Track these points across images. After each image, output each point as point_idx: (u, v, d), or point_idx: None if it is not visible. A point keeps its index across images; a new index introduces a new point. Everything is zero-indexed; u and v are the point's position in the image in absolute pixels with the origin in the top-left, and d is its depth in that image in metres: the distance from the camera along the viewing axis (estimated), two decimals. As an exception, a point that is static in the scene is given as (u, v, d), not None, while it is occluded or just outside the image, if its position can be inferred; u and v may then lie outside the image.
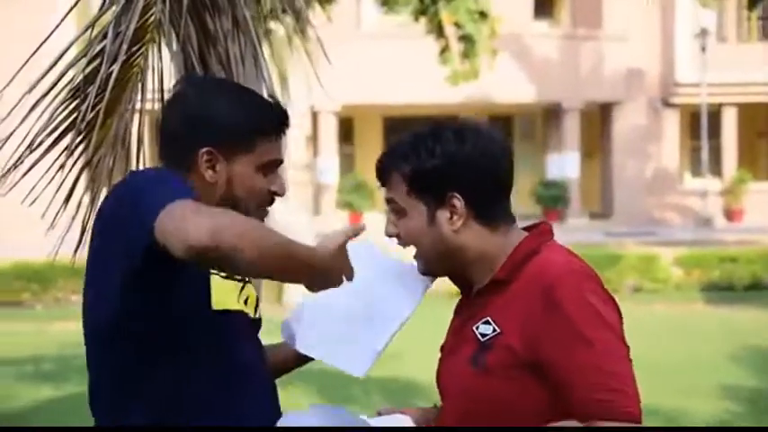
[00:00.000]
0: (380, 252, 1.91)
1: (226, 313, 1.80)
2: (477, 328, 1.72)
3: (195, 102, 1.80)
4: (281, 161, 1.85)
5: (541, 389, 1.65)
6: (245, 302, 1.87)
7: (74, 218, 2.80)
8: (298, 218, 13.76)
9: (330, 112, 21.98)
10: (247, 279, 1.87)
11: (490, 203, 1.76)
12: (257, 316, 1.90)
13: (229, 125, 1.77)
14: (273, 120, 1.82)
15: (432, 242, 1.76)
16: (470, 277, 1.80)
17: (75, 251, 2.69)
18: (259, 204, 1.83)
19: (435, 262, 1.79)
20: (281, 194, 1.83)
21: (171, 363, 1.74)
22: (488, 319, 1.71)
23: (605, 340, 1.64)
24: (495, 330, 1.69)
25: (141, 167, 2.83)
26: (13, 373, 8.20)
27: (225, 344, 1.79)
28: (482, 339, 1.70)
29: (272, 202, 1.85)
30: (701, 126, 23.23)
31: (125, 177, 1.83)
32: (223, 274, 1.78)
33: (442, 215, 1.75)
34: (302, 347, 1.87)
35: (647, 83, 24.01)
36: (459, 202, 1.74)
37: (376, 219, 22.78)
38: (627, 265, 14.02)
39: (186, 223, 1.49)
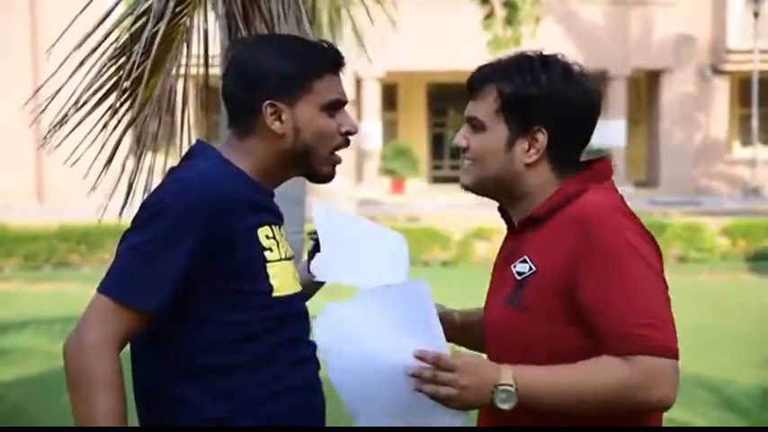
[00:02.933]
0: (344, 212, 1.97)
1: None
2: (514, 266, 1.71)
3: (245, 60, 1.82)
4: (346, 101, 1.84)
5: (576, 327, 1.63)
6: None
7: (119, 180, 2.81)
8: (340, 184, 13.80)
9: (373, 78, 21.89)
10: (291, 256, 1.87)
11: (568, 149, 1.74)
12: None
13: (282, 72, 1.78)
14: (324, 58, 1.82)
15: (498, 166, 1.73)
16: (513, 211, 1.78)
17: (121, 213, 2.71)
18: (332, 149, 1.83)
19: (489, 184, 1.76)
20: (354, 132, 1.83)
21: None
22: (525, 257, 1.70)
23: (642, 276, 1.61)
24: (531, 269, 1.68)
25: (184, 134, 2.85)
26: (62, 330, 8.36)
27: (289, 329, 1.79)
28: (518, 278, 1.70)
29: (346, 143, 1.84)
30: (751, 94, 22.75)
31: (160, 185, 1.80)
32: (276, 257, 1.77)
33: (520, 145, 1.72)
34: (328, 277, 1.86)
35: (696, 49, 23.54)
36: (542, 138, 1.71)
37: (418, 186, 22.76)
38: (672, 235, 13.86)
39: (78, 327, 1.66)
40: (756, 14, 22.09)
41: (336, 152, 1.84)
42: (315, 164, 1.83)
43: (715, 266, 13.35)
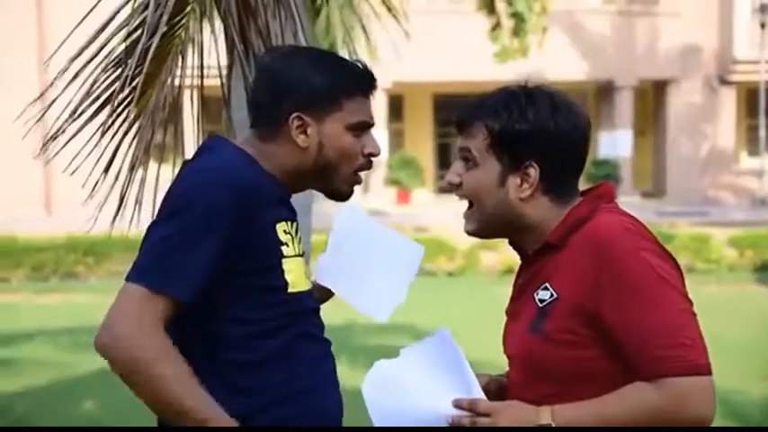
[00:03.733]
0: (369, 218, 2.01)
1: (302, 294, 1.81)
2: (536, 293, 1.72)
3: (278, 70, 1.82)
4: (372, 123, 1.85)
5: (601, 350, 1.65)
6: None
7: (112, 187, 2.83)
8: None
9: (380, 89, 21.86)
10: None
11: (563, 180, 1.75)
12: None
13: (313, 87, 1.78)
14: (357, 79, 1.83)
15: (494, 203, 1.74)
16: (522, 243, 1.79)
17: (113, 222, 2.74)
18: (355, 169, 1.84)
19: (489, 223, 1.77)
20: (377, 154, 1.84)
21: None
22: (547, 284, 1.71)
23: (665, 297, 1.62)
24: (552, 296, 1.69)
25: (178, 144, 2.87)
26: (69, 341, 8.38)
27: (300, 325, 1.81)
28: (540, 305, 1.70)
29: (369, 165, 1.85)
30: (758, 104, 22.73)
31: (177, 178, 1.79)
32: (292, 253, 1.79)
33: (513, 180, 1.73)
34: (328, 282, 1.93)
35: (703, 60, 23.53)
36: (534, 172, 1.71)
37: (424, 196, 22.77)
38: (679, 245, 13.81)
39: (108, 319, 1.64)
40: (763, 25, 22.08)
41: (359, 173, 1.85)
42: (335, 181, 1.83)
43: (722, 277, 13.30)
